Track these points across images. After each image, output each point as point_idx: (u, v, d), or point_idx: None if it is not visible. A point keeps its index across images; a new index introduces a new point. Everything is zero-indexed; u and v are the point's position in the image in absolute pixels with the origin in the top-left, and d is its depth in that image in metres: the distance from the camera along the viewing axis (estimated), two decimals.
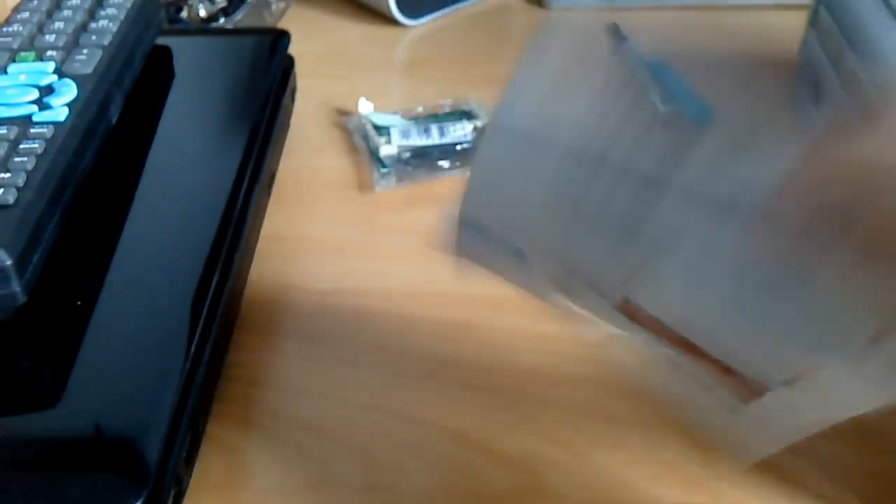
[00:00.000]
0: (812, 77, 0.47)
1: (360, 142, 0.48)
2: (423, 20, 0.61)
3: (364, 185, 0.46)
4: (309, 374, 0.36)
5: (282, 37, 0.48)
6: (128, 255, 0.35)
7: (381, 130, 0.48)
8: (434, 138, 0.47)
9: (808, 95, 0.48)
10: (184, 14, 0.57)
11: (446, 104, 0.50)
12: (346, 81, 0.55)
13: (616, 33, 0.53)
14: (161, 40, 0.46)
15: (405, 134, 0.47)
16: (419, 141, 0.47)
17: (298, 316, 0.39)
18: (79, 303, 0.33)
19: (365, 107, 0.49)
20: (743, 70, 0.26)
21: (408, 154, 0.47)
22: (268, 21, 0.59)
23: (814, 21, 0.48)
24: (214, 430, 0.34)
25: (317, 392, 0.35)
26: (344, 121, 0.50)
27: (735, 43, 0.59)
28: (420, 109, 0.50)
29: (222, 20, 0.57)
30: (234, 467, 0.33)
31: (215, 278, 0.35)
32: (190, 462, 0.31)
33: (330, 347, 0.37)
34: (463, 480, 0.32)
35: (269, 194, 0.43)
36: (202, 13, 0.57)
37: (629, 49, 0.55)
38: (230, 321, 0.37)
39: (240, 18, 0.56)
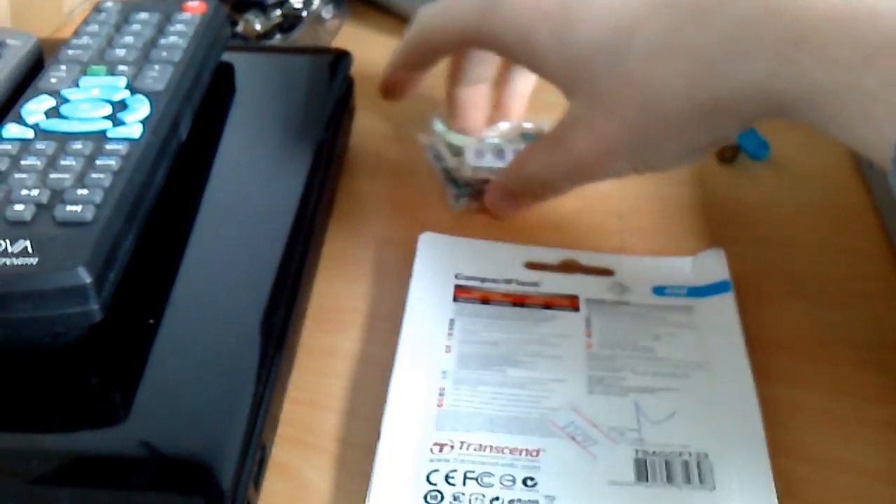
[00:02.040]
0: None
1: (433, 161, 0.48)
2: None
3: (426, 205, 0.46)
4: (369, 397, 0.36)
5: (343, 57, 0.48)
6: (198, 273, 0.35)
7: (455, 150, 0.48)
8: (508, 160, 0.46)
9: None
10: (239, 28, 0.57)
11: (515, 125, 0.50)
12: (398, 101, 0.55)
13: None
14: (223, 56, 0.46)
15: (479, 155, 0.47)
16: (493, 163, 0.46)
17: (357, 339, 0.39)
18: (151, 320, 0.33)
19: (439, 126, 0.49)
20: None
21: (481, 176, 0.46)
22: (322, 38, 0.59)
23: None
24: (277, 452, 0.34)
25: (377, 416, 0.35)
26: (419, 139, 0.50)
27: None
28: (491, 132, 0.49)
29: (278, 36, 0.57)
30: (298, 491, 0.33)
31: (284, 298, 0.35)
32: (258, 485, 0.31)
33: (390, 371, 0.37)
34: None
35: (329, 214, 0.43)
36: (258, 28, 0.57)
37: None
38: (295, 342, 0.37)
39: (296, 35, 0.57)
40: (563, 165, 0.39)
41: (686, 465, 0.33)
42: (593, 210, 0.46)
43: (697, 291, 0.40)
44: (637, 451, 0.33)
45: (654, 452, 0.33)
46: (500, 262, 0.41)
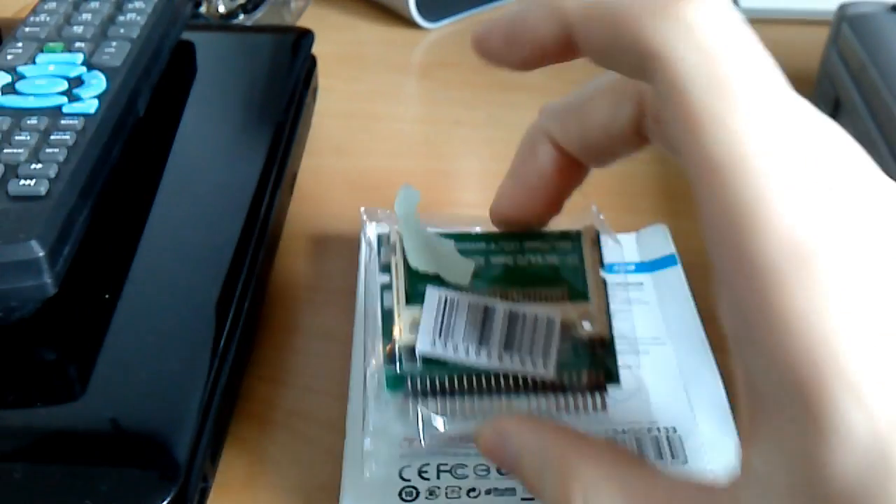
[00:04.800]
0: (831, 93, 0.47)
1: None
2: (442, 23, 0.61)
3: (389, 184, 0.46)
4: (330, 373, 0.36)
5: (305, 36, 0.48)
6: (154, 249, 0.35)
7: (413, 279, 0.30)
8: (493, 347, 0.29)
9: (827, 111, 0.48)
10: (203, 9, 0.57)
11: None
12: (363, 83, 0.55)
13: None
14: (184, 35, 0.46)
15: (443, 335, 0.29)
16: (464, 355, 0.29)
17: (319, 315, 0.39)
18: (107, 296, 0.33)
19: (405, 208, 0.32)
20: None
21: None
22: (286, 19, 0.59)
23: (835, 36, 0.48)
24: (237, 428, 0.34)
25: (338, 391, 0.35)
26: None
27: None
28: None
29: (241, 17, 0.57)
30: (256, 466, 0.33)
31: (242, 275, 0.35)
32: (215, 460, 0.31)
33: (350, 346, 0.37)
34: None
35: (291, 193, 0.43)
36: (221, 9, 0.57)
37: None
38: (254, 318, 0.36)
39: (259, 16, 0.56)
40: None
41: (656, 440, 0.32)
42: None
43: (645, 267, 0.40)
44: (606, 431, 0.32)
45: (623, 430, 0.32)
46: None
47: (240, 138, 0.42)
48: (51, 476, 0.28)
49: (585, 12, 0.23)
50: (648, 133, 0.26)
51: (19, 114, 0.35)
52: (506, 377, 0.29)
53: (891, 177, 0.38)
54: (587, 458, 0.23)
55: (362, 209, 0.41)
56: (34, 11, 0.42)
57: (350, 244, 0.42)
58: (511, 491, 0.31)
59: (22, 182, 0.31)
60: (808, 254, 0.18)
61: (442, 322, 0.29)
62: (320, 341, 0.38)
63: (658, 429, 0.33)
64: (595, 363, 0.30)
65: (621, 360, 0.33)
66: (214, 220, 0.37)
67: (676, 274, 0.39)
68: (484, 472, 0.31)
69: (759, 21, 0.61)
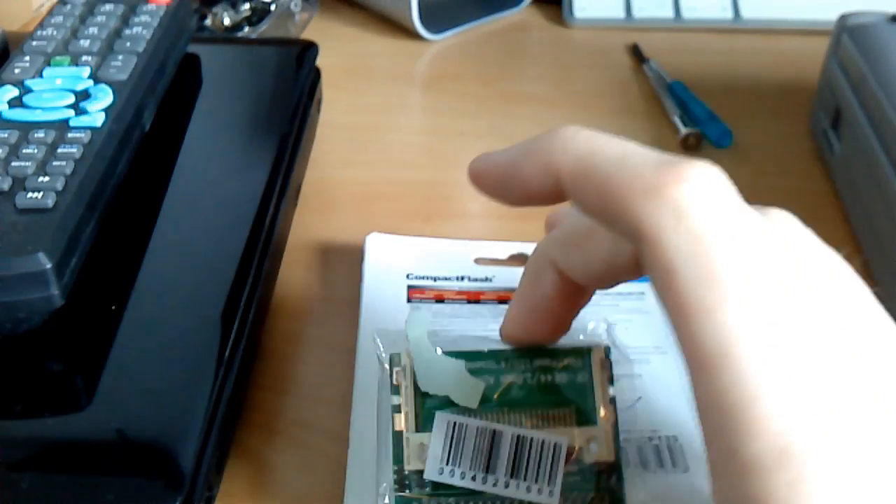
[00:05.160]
0: (832, 103, 0.48)
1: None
2: (446, 35, 0.61)
3: (390, 197, 0.47)
4: (334, 383, 0.36)
5: (310, 48, 0.48)
6: (160, 260, 0.36)
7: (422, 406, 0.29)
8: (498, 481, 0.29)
9: (828, 121, 0.48)
10: (208, 22, 0.57)
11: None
12: (367, 94, 0.56)
13: (637, 53, 0.53)
14: (189, 47, 0.46)
15: (449, 462, 0.29)
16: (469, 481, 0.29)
17: (322, 325, 0.39)
18: (113, 307, 0.33)
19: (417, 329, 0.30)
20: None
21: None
22: (291, 31, 0.59)
23: (835, 47, 0.48)
24: (241, 437, 0.34)
25: (341, 401, 0.35)
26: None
27: (754, 66, 0.60)
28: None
29: (246, 29, 0.57)
30: (260, 475, 0.33)
31: (247, 286, 0.35)
32: (220, 469, 0.32)
33: (355, 357, 0.37)
34: None
35: (295, 204, 0.44)
36: (226, 22, 0.57)
37: (651, 69, 0.56)
38: (259, 329, 0.37)
39: (264, 29, 0.57)
40: None
41: (657, 449, 0.33)
42: None
43: (647, 276, 0.39)
44: None
45: (624, 439, 0.32)
46: (449, 259, 0.41)
47: (245, 150, 0.42)
48: (57, 485, 0.28)
49: (577, 178, 0.23)
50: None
51: (27, 127, 0.35)
52: (511, 501, 0.29)
53: (890, 187, 0.38)
54: None
55: (367, 237, 0.42)
56: (41, 25, 0.42)
57: (354, 255, 0.42)
58: None
59: (29, 195, 0.32)
60: (793, 453, 0.19)
61: (450, 449, 0.29)
62: (324, 351, 0.38)
63: (659, 437, 0.33)
64: (600, 489, 0.29)
65: (623, 369, 0.33)
66: (219, 231, 0.37)
67: None
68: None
69: (761, 31, 0.62)
